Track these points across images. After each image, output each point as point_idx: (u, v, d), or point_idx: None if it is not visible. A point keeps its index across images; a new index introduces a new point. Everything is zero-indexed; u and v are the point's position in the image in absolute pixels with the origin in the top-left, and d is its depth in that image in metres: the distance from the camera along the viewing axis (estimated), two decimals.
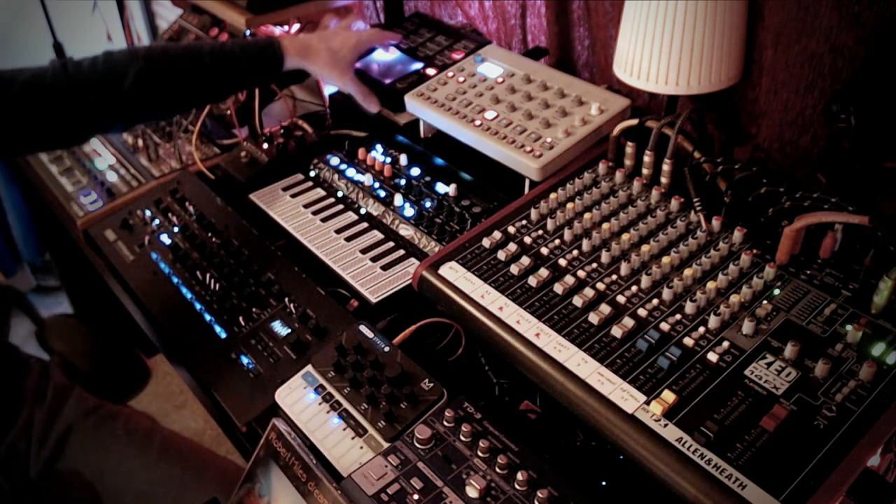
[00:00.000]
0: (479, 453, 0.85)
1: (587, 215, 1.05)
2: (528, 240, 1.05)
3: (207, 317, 1.19)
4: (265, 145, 1.49)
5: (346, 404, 0.96)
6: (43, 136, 1.17)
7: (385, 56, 1.48)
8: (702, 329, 0.88)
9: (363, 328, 1.03)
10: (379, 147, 1.46)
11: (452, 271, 1.02)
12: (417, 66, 1.43)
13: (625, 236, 1.00)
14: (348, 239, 1.27)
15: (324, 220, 1.32)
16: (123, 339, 1.68)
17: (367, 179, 1.38)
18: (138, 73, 1.15)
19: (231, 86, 1.33)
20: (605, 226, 1.03)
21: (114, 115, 1.18)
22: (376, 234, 1.27)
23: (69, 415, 1.31)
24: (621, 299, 0.94)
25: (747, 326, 0.87)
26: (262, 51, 1.28)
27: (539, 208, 1.08)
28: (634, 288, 0.95)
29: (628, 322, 0.90)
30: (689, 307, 0.90)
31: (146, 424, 1.34)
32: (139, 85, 1.15)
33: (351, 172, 1.41)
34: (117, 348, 1.67)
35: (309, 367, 1.02)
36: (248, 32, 1.61)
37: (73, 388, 1.36)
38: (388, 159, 1.42)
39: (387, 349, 1.00)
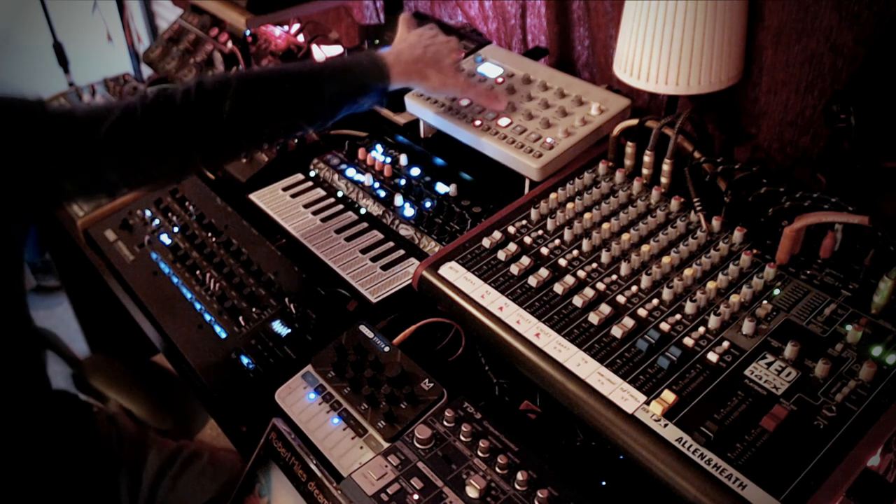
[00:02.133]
0: (479, 453, 0.85)
1: (587, 215, 1.05)
2: (528, 240, 1.05)
3: (207, 317, 1.19)
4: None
5: (346, 404, 0.96)
6: (142, 175, 1.06)
7: None
8: (702, 329, 0.88)
9: (363, 328, 1.03)
10: (379, 147, 1.46)
11: (452, 271, 1.02)
12: None
13: (625, 236, 1.00)
14: (348, 239, 1.27)
15: (324, 220, 1.32)
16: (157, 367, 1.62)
17: (367, 179, 1.38)
18: (234, 97, 1.04)
19: (333, 108, 1.14)
20: (605, 226, 1.03)
21: (215, 144, 1.07)
22: (376, 234, 1.27)
23: (153, 463, 1.26)
24: (621, 299, 0.94)
25: (747, 326, 0.87)
26: (366, 69, 1.14)
27: (539, 208, 1.08)
28: (634, 288, 0.95)
29: (628, 322, 0.90)
30: (689, 307, 0.90)
31: (231, 458, 1.29)
32: (236, 110, 1.04)
33: (351, 172, 1.41)
34: (162, 380, 1.62)
35: (309, 367, 1.02)
36: (248, 32, 1.61)
37: (147, 433, 1.31)
38: (388, 159, 1.42)
39: (387, 349, 1.00)
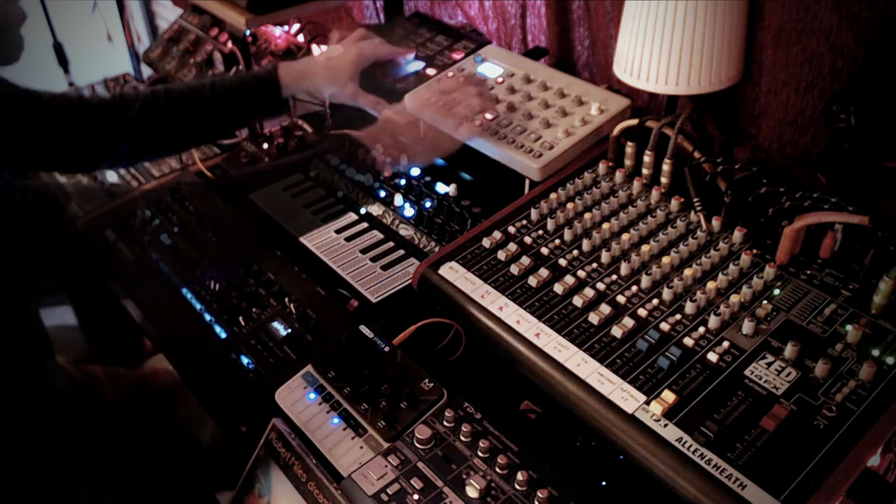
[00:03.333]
0: (479, 453, 0.85)
1: (587, 215, 1.05)
2: (528, 240, 1.05)
3: (207, 317, 1.19)
4: (265, 145, 1.49)
5: (346, 404, 0.96)
6: (55, 155, 1.21)
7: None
8: (702, 329, 0.88)
9: (363, 328, 1.03)
10: (379, 147, 1.45)
11: (452, 271, 1.02)
12: (417, 66, 1.43)
13: (625, 236, 1.00)
14: (348, 239, 1.27)
15: (324, 220, 1.32)
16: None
17: (367, 179, 1.38)
18: (143, 102, 1.20)
19: (231, 119, 1.32)
20: (605, 226, 1.03)
21: (119, 141, 1.21)
22: (376, 234, 1.27)
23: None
24: (621, 299, 0.94)
25: (747, 326, 0.87)
26: (259, 82, 1.27)
27: (539, 208, 1.08)
28: (634, 288, 0.95)
29: (628, 322, 0.90)
30: (689, 307, 0.90)
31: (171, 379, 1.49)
32: (143, 114, 1.19)
33: (351, 172, 1.41)
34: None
35: (309, 367, 1.02)
36: (248, 32, 1.61)
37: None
38: (389, 159, 1.42)
39: (387, 349, 1.00)
